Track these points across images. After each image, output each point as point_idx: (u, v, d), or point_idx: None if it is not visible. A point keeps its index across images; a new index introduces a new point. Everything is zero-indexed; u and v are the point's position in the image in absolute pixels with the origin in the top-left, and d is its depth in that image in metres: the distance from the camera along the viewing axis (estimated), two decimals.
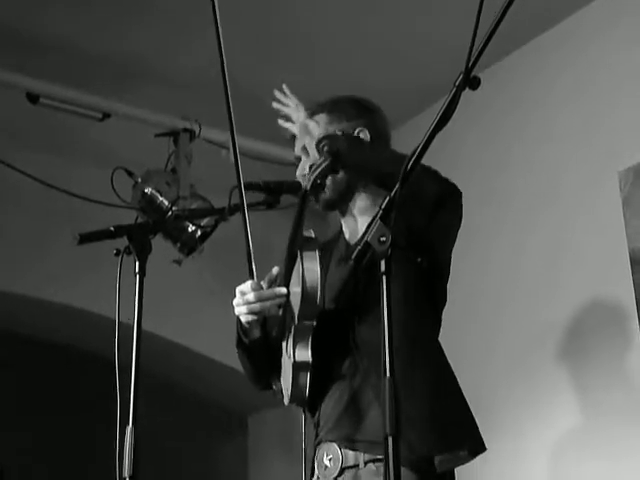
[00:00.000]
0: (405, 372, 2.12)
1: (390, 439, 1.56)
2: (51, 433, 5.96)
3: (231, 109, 2.35)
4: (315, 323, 2.25)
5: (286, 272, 2.28)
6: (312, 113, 2.49)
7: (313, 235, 2.31)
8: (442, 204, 2.24)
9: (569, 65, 3.92)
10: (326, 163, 2.26)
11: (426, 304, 2.37)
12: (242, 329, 2.32)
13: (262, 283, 2.27)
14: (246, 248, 2.29)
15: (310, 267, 2.23)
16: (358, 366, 2.26)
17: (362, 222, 2.43)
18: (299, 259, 2.25)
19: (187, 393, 5.49)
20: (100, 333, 3.05)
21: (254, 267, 2.29)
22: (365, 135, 2.45)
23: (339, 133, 2.36)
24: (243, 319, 2.28)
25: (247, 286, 2.26)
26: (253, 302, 2.24)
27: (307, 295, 2.21)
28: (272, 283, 2.28)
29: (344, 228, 2.51)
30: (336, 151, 2.25)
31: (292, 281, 2.29)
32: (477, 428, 2.26)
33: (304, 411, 2.36)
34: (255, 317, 2.26)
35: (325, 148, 2.28)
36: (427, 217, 2.25)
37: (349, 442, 2.24)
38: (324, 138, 2.31)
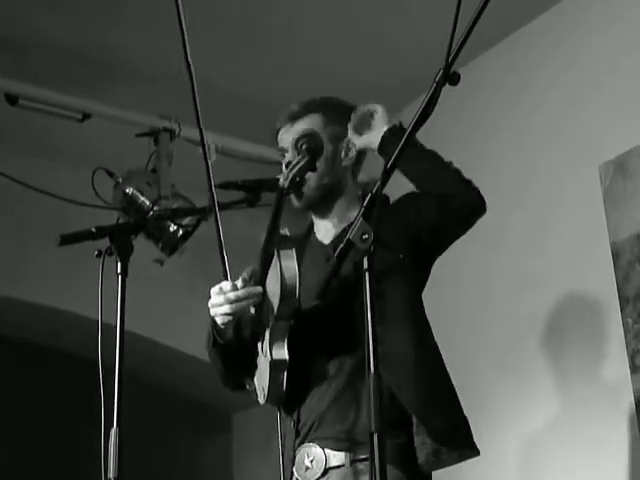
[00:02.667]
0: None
1: (375, 436, 1.57)
2: (34, 435, 5.94)
3: (198, 106, 2.36)
4: (292, 322, 2.25)
5: (262, 271, 2.28)
6: (306, 110, 2.48)
7: (288, 233, 2.32)
8: (471, 222, 2.40)
9: (547, 60, 3.93)
10: (305, 160, 2.27)
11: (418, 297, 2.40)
12: (217, 330, 2.31)
13: (237, 283, 2.26)
14: (219, 249, 2.28)
15: (288, 265, 2.23)
16: (346, 365, 2.26)
17: (339, 220, 2.44)
18: (276, 257, 2.25)
19: (171, 392, 5.48)
20: (83, 334, 3.04)
21: (228, 268, 2.28)
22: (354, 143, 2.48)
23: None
24: (219, 320, 2.27)
25: (222, 286, 2.26)
26: (229, 303, 2.23)
27: (286, 293, 2.21)
28: (246, 283, 2.27)
29: (317, 228, 2.51)
30: (314, 149, 2.26)
31: (268, 280, 2.28)
32: (471, 434, 2.27)
33: (279, 410, 2.35)
34: (231, 317, 2.26)
35: (304, 146, 2.28)
36: (452, 229, 2.39)
37: (335, 442, 2.23)
38: (303, 136, 2.32)
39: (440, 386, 2.30)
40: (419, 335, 2.30)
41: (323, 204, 2.45)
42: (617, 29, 3.65)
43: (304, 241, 2.48)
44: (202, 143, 2.35)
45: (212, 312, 2.28)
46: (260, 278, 2.27)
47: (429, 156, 2.37)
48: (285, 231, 2.31)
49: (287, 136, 2.47)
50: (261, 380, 2.29)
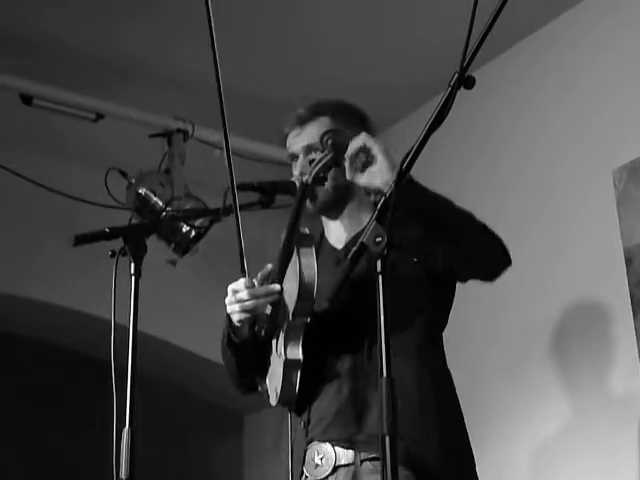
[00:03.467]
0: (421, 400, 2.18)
1: (387, 438, 1.57)
2: (45, 435, 5.96)
3: (224, 109, 2.34)
4: (308, 320, 2.25)
5: (281, 267, 2.27)
6: (315, 113, 2.47)
7: (308, 232, 2.31)
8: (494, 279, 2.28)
9: (562, 64, 3.93)
10: (330, 156, 2.25)
11: (436, 308, 2.38)
12: (232, 328, 2.31)
13: (254, 280, 2.26)
14: (238, 246, 2.28)
15: (308, 263, 2.22)
16: (361, 367, 2.26)
17: (350, 226, 2.43)
18: (296, 255, 2.24)
19: (183, 393, 5.49)
20: (96, 334, 3.04)
21: (246, 265, 2.28)
22: None
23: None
24: (236, 317, 2.27)
25: (240, 284, 2.25)
26: (246, 300, 2.23)
27: (304, 291, 2.20)
28: (265, 280, 2.27)
29: (328, 232, 2.50)
30: (339, 144, 2.24)
31: (286, 278, 2.28)
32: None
33: (290, 411, 2.35)
34: (248, 315, 2.25)
35: (329, 141, 2.26)
36: (465, 276, 2.30)
37: (345, 441, 2.23)
38: (328, 131, 2.29)
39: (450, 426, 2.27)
40: (421, 359, 2.28)
41: (336, 206, 2.44)
42: (631, 34, 3.64)
43: (317, 245, 2.48)
44: (226, 146, 2.34)
45: (229, 309, 2.27)
46: (278, 276, 2.27)
47: (447, 207, 2.18)
48: (305, 230, 2.30)
49: (297, 141, 2.45)
50: (274, 381, 2.29)
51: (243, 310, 2.24)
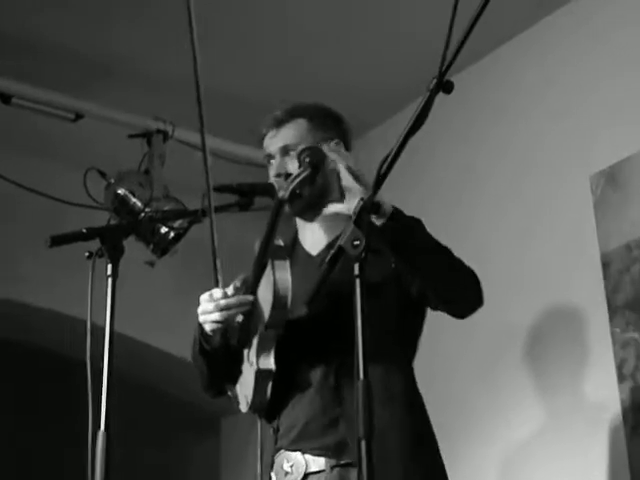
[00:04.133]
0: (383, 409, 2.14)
1: (363, 443, 1.57)
2: (20, 438, 5.92)
3: (202, 110, 2.35)
4: (281, 331, 2.25)
5: (254, 279, 2.28)
6: (292, 115, 2.48)
7: (282, 243, 2.32)
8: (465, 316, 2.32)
9: (539, 69, 3.94)
10: (306, 173, 2.27)
11: (411, 317, 2.40)
12: (204, 336, 2.31)
13: (228, 290, 2.26)
14: (212, 256, 2.28)
15: (282, 276, 2.23)
16: (334, 375, 2.26)
17: (326, 229, 2.44)
18: (270, 267, 2.25)
19: (160, 395, 5.47)
20: (73, 335, 3.03)
21: (220, 275, 2.29)
22: (341, 147, 2.46)
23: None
24: (208, 327, 2.27)
25: (213, 293, 2.26)
26: (219, 310, 2.23)
27: (278, 303, 2.21)
28: (238, 290, 2.27)
29: (303, 236, 2.50)
30: (317, 163, 2.26)
31: (260, 288, 2.28)
32: None
33: (260, 417, 2.36)
34: (220, 325, 2.26)
35: (307, 159, 2.28)
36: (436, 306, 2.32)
37: (315, 449, 2.23)
38: (306, 149, 2.31)
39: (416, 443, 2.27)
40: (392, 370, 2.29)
41: (312, 208, 2.44)
42: (610, 40, 3.66)
43: (290, 250, 2.48)
44: (203, 147, 2.35)
45: (201, 319, 2.28)
46: (252, 286, 2.27)
47: (425, 248, 2.19)
48: (279, 241, 2.31)
49: (273, 142, 2.46)
50: (245, 388, 2.30)
51: (215, 320, 2.25)
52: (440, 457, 2.29)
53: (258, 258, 2.27)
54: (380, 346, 2.08)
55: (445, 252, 2.21)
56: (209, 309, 2.25)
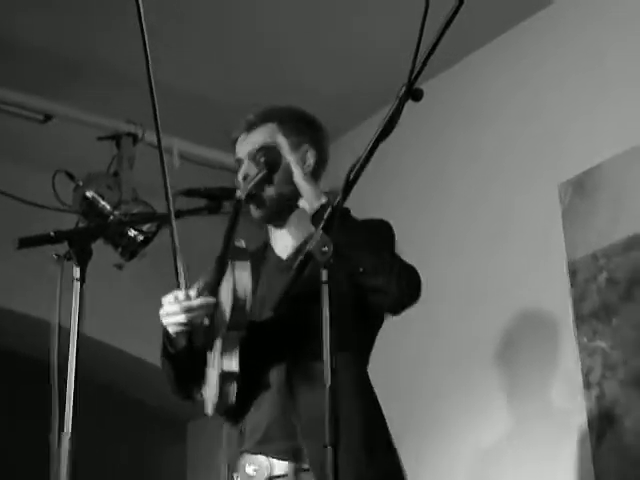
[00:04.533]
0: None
1: (330, 449, 1.57)
2: None
3: (156, 108, 2.35)
4: (243, 333, 2.25)
5: (215, 281, 2.27)
6: (263, 120, 2.48)
7: (244, 245, 2.31)
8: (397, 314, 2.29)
9: (508, 78, 3.98)
10: (262, 174, 2.28)
11: (364, 328, 2.39)
12: (168, 338, 2.30)
13: (191, 292, 2.25)
14: (173, 259, 2.28)
15: (241, 277, 2.23)
16: (297, 379, 2.26)
17: (296, 236, 2.44)
18: (230, 269, 2.25)
19: (126, 398, 5.44)
20: (40, 337, 3.01)
21: (182, 277, 2.28)
22: (312, 153, 2.46)
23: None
24: (171, 329, 2.27)
25: (176, 296, 2.25)
26: (182, 312, 2.23)
27: (238, 305, 2.21)
28: (200, 293, 2.27)
29: (274, 241, 2.50)
30: (272, 162, 2.27)
31: (221, 290, 2.28)
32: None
33: (225, 420, 2.35)
34: (184, 327, 2.25)
35: (262, 159, 2.29)
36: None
37: (280, 452, 2.23)
38: (261, 149, 2.32)
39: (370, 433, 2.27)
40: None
41: (281, 214, 2.45)
42: (576, 48, 3.70)
43: (261, 255, 2.48)
44: (159, 149, 2.35)
45: (165, 321, 2.27)
46: (213, 288, 2.27)
47: (363, 234, 2.26)
48: (241, 243, 2.31)
49: (243, 146, 2.47)
50: (210, 390, 2.29)
51: (179, 322, 2.24)
52: (393, 446, 2.29)
53: (218, 259, 2.26)
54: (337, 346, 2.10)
55: (380, 245, 2.26)
56: (172, 311, 2.24)
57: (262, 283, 2.36)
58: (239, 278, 2.22)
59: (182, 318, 2.23)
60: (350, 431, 2.15)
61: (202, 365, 2.33)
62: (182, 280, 2.27)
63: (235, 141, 2.50)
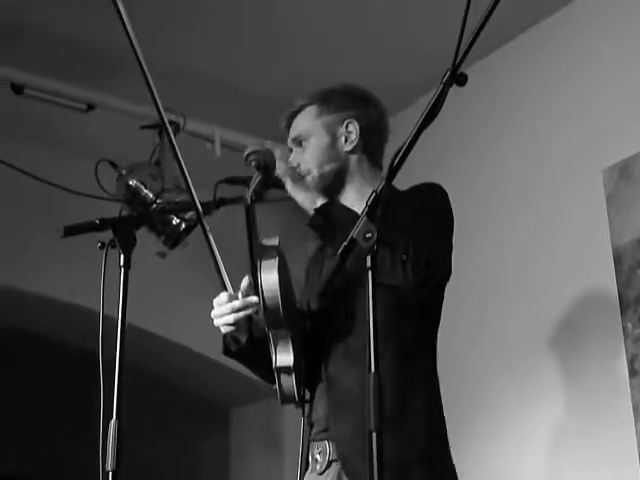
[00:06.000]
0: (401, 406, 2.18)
1: (374, 435, 1.57)
2: (33, 426, 5.94)
3: (153, 89, 2.36)
4: (288, 327, 2.24)
5: (254, 281, 2.28)
6: (302, 106, 2.49)
7: (275, 242, 2.30)
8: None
9: (553, 62, 3.93)
10: (256, 177, 2.28)
11: (424, 325, 2.37)
12: (226, 339, 2.34)
13: (238, 294, 2.29)
14: (214, 264, 2.30)
15: (267, 277, 2.22)
16: (351, 367, 2.25)
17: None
18: (258, 269, 2.25)
19: (170, 387, 5.48)
20: (85, 326, 3.04)
21: (226, 278, 2.31)
22: (354, 127, 2.45)
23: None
24: (222, 330, 2.32)
25: (221, 298, 2.30)
26: (227, 314, 2.27)
27: (267, 305, 2.21)
28: (248, 292, 2.29)
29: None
30: (264, 165, 2.27)
31: None
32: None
33: (297, 408, 2.36)
34: (233, 328, 2.29)
35: (253, 163, 2.29)
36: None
37: (338, 437, 2.25)
38: (251, 153, 2.32)
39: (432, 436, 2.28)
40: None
41: (333, 190, 2.43)
42: (622, 35, 3.65)
43: (310, 241, 2.49)
44: (164, 125, 2.36)
45: (215, 323, 2.32)
46: (255, 287, 2.28)
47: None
48: (272, 240, 2.30)
49: (288, 134, 2.50)
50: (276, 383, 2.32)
51: (225, 323, 2.29)
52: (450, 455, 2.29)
53: (250, 261, 2.28)
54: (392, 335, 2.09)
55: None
56: (218, 313, 2.29)
57: (309, 268, 2.37)
58: (265, 279, 2.22)
59: (227, 319, 2.27)
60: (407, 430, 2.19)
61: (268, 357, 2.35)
62: (225, 282, 2.30)
63: (284, 129, 2.52)
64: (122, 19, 2.30)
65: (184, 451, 6.09)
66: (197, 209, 2.32)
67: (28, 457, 5.87)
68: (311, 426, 2.34)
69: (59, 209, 4.12)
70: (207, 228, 2.33)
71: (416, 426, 2.24)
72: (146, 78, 2.32)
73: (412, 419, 2.24)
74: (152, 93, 2.33)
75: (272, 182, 2.33)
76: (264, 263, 2.24)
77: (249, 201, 2.26)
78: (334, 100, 2.47)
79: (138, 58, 2.31)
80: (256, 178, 2.28)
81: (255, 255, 2.26)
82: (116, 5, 2.31)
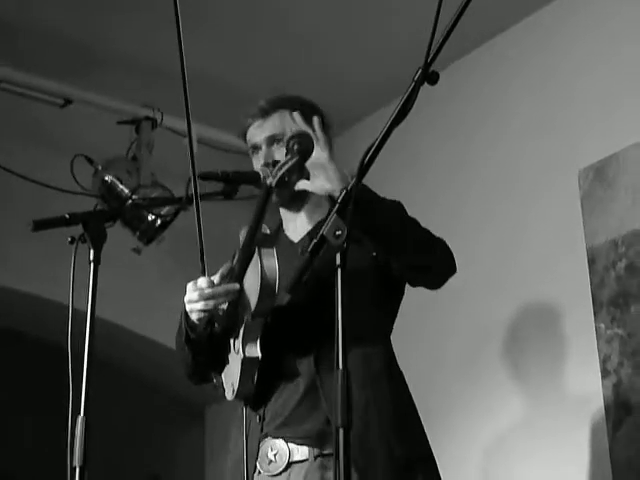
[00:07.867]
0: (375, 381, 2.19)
1: (341, 431, 1.57)
2: (5, 423, 5.92)
3: (188, 97, 2.35)
4: (267, 320, 2.25)
5: (241, 267, 2.27)
6: (277, 106, 2.49)
7: (269, 232, 2.31)
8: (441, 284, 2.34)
9: (529, 64, 3.95)
10: (294, 160, 2.25)
11: (389, 303, 2.42)
12: (189, 324, 2.31)
13: (214, 278, 2.26)
14: (199, 245, 2.28)
15: (269, 264, 2.22)
16: (318, 364, 2.26)
17: (309, 219, 2.45)
18: (257, 255, 2.24)
19: (144, 382, 5.46)
20: (56, 321, 3.03)
21: (206, 263, 2.29)
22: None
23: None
24: (194, 316, 2.28)
25: (199, 282, 2.26)
26: (205, 299, 2.23)
27: (265, 292, 2.21)
28: (224, 279, 2.27)
29: (287, 225, 2.52)
30: (305, 150, 2.25)
31: (246, 277, 2.28)
32: (433, 458, 2.29)
33: (245, 405, 2.36)
34: (207, 314, 2.26)
35: (295, 146, 2.26)
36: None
37: (299, 438, 2.24)
38: (295, 136, 2.29)
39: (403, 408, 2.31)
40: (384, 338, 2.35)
41: (298, 199, 2.45)
42: (597, 36, 3.67)
43: (274, 237, 2.48)
44: (189, 134, 2.35)
45: (188, 308, 2.28)
46: (238, 275, 2.26)
47: (397, 214, 2.24)
48: (266, 230, 2.31)
49: (259, 132, 2.47)
50: (230, 376, 2.30)
51: (201, 309, 2.25)
52: (422, 427, 2.31)
53: (245, 246, 2.26)
54: (360, 331, 2.08)
55: (411, 222, 2.24)
56: (195, 298, 2.25)
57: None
58: (267, 266, 2.22)
59: (204, 305, 2.24)
60: (380, 412, 2.20)
61: (221, 350, 2.34)
62: (205, 267, 2.28)
63: (247, 128, 2.51)
64: (179, 37, 2.30)
65: (158, 448, 6.07)
66: (194, 184, 2.29)
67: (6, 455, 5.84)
68: (261, 424, 2.32)
69: (34, 204, 4.11)
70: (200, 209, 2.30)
71: (418, 426, 2.30)
72: (185, 94, 2.32)
73: (411, 417, 2.29)
74: (187, 106, 2.33)
75: (303, 169, 2.29)
76: (264, 251, 2.25)
77: (274, 183, 2.24)
78: (305, 109, 2.45)
79: (184, 74, 2.30)
80: (291, 160, 2.24)
81: (255, 241, 2.25)
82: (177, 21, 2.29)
